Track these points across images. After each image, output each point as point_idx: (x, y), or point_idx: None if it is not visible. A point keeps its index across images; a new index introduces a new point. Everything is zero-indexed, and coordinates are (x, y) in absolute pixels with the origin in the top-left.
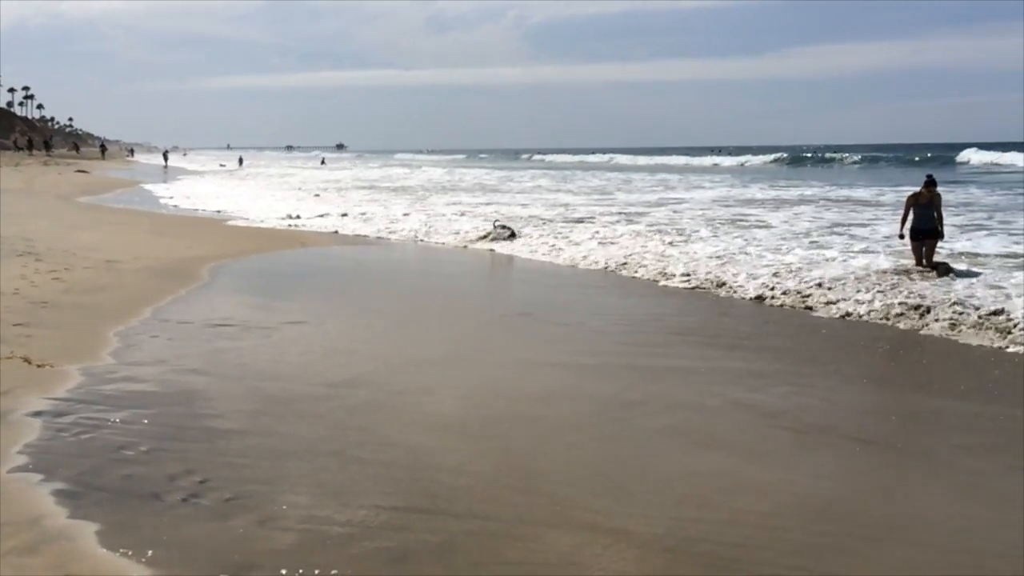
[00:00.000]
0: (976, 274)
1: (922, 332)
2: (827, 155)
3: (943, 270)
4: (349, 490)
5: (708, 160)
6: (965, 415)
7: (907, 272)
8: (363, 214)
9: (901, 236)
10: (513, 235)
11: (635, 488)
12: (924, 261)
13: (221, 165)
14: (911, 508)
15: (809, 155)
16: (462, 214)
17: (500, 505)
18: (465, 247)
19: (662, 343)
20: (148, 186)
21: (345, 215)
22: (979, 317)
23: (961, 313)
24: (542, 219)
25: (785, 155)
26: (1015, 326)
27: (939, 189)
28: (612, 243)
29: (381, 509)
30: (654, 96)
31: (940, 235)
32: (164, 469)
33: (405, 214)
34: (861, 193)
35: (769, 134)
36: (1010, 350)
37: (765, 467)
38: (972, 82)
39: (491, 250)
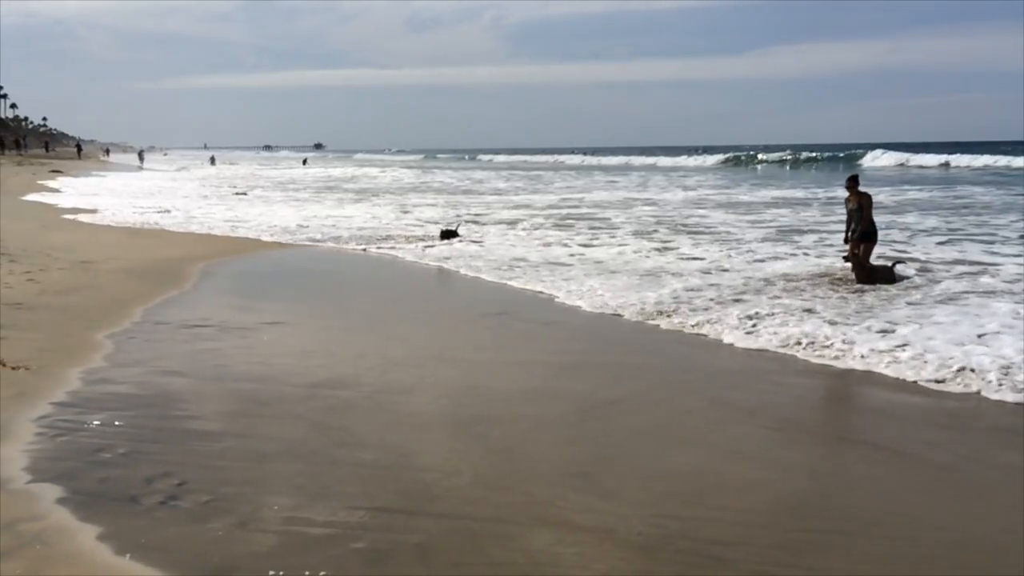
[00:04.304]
0: (914, 280)
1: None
2: (796, 155)
3: (866, 277)
4: (328, 491)
5: (682, 160)
6: (922, 410)
7: (817, 279)
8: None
9: (846, 238)
10: (453, 234)
11: (614, 486)
12: (862, 261)
13: (200, 165)
14: (884, 502)
15: (767, 156)
16: (374, 216)
17: (480, 504)
18: (365, 250)
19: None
20: (49, 182)
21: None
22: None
23: (844, 343)
24: (480, 223)
25: (743, 155)
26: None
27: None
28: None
29: (361, 510)
30: (632, 96)
31: (871, 238)
32: (141, 472)
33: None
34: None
35: (746, 134)
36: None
37: (742, 464)
38: (947, 81)
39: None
